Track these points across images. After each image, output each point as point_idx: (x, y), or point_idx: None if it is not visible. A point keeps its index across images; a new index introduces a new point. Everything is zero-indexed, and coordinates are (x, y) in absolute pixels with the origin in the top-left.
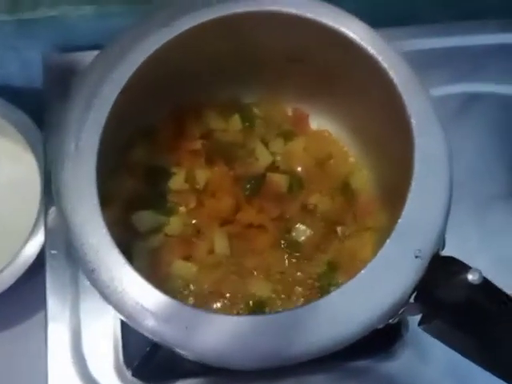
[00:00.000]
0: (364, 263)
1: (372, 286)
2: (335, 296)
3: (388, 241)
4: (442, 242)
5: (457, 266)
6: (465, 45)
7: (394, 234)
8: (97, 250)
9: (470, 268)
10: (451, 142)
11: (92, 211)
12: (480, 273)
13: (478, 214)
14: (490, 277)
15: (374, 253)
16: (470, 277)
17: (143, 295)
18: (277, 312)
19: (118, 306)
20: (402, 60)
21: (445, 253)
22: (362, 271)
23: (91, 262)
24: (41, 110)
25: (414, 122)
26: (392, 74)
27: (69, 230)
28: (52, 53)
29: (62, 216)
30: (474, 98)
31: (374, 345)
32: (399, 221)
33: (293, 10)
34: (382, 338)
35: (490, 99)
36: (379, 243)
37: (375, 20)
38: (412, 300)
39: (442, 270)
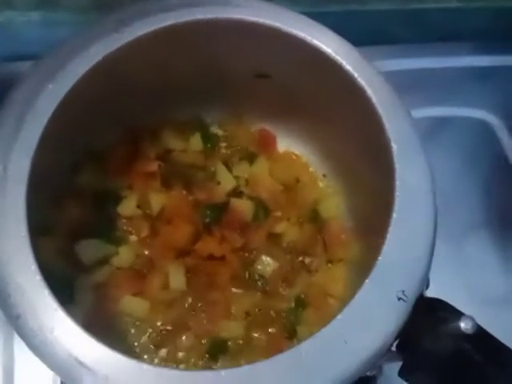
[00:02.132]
0: (335, 298)
1: (349, 333)
2: (306, 346)
3: (367, 281)
4: (426, 282)
5: (446, 311)
6: (436, 67)
7: (373, 273)
8: (24, 291)
9: (461, 314)
10: None
11: (20, 245)
12: (473, 320)
13: (454, 246)
14: (468, 313)
15: (346, 287)
16: (463, 325)
17: (78, 346)
18: (231, 367)
19: (48, 359)
20: (381, 78)
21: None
22: (338, 316)
23: (16, 306)
24: None
25: (394, 146)
26: (370, 92)
27: None
28: None
29: None
30: (444, 121)
31: None
32: (379, 258)
33: (261, 20)
34: None
35: (461, 123)
36: (352, 277)
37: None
38: (393, 348)
39: (427, 315)
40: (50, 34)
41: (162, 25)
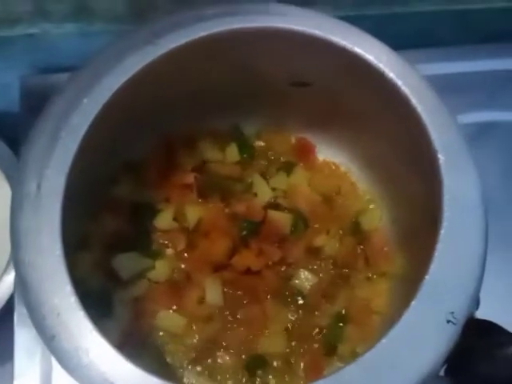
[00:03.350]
0: (377, 314)
1: (394, 357)
2: (349, 370)
3: (413, 302)
4: (476, 303)
5: (500, 335)
6: (480, 70)
7: (420, 294)
8: (58, 312)
9: None
10: None
11: (54, 264)
12: None
13: (499, 258)
14: None
15: (389, 302)
16: None
17: (114, 369)
18: None
19: (82, 382)
20: (427, 85)
21: None
22: (383, 339)
23: (51, 327)
24: (19, 136)
25: (441, 158)
26: (415, 101)
27: (25, 287)
28: (31, 75)
29: (19, 271)
30: (488, 127)
31: None
32: (426, 277)
33: (299, 27)
34: None
35: (507, 128)
36: (394, 292)
37: (388, 42)
38: (442, 373)
39: (479, 338)
40: (86, 45)
41: (198, 35)
